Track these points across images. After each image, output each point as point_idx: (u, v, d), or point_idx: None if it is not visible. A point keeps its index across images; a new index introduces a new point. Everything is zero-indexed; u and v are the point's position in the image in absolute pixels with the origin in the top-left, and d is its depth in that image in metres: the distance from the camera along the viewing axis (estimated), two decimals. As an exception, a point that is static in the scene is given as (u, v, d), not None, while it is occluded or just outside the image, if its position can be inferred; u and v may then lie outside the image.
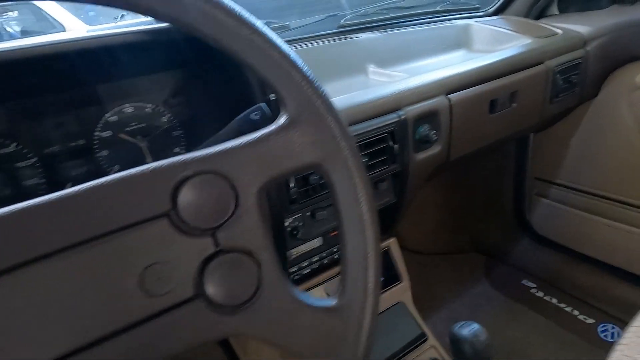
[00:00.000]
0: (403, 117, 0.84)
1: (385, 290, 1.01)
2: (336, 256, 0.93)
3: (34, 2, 5.96)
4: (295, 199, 0.74)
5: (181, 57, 0.68)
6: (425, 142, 0.89)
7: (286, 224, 0.78)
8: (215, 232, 0.39)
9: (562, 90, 1.14)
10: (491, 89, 0.98)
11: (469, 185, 1.67)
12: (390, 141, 0.83)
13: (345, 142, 0.43)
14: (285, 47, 0.41)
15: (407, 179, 0.90)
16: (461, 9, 1.38)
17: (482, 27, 1.24)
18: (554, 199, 1.48)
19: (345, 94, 0.84)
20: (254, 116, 0.56)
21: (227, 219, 0.39)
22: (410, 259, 1.71)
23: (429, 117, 0.89)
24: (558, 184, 1.45)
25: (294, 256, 0.88)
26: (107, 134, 0.66)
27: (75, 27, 5.77)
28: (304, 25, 1.12)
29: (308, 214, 0.80)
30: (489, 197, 1.64)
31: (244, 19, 0.39)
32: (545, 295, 1.46)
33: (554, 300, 1.43)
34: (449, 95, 0.91)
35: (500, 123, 1.04)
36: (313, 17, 1.19)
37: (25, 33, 6.12)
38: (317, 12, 1.26)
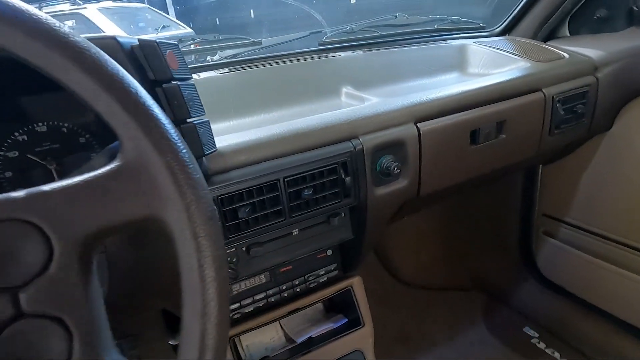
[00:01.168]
0: (359, 147, 0.75)
1: (343, 336, 0.91)
2: (286, 294, 0.85)
3: (82, 13, 6.30)
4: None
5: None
6: (387, 175, 0.80)
7: (216, 259, 0.71)
8: (18, 291, 0.32)
9: (565, 121, 1.02)
10: (472, 118, 0.87)
11: (470, 217, 1.54)
12: (341, 173, 0.74)
13: (192, 197, 0.36)
14: (119, 78, 0.34)
15: (365, 215, 0.81)
16: (462, 28, 1.27)
17: (479, 48, 1.13)
18: (562, 239, 1.32)
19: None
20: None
21: (34, 277, 0.33)
22: (403, 291, 1.60)
23: (393, 147, 0.80)
24: (567, 223, 1.30)
25: (233, 293, 0.80)
26: (13, 154, 0.62)
27: (118, 37, 6.02)
28: (282, 43, 1.06)
29: (243, 249, 0.73)
30: (493, 231, 1.50)
31: (78, 51, 0.33)
32: (547, 347, 1.30)
33: (557, 355, 1.27)
34: (419, 124, 0.82)
35: (485, 155, 0.93)
36: (294, 33, 1.13)
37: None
38: (303, 28, 1.20)
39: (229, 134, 0.70)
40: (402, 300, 1.56)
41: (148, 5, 7.44)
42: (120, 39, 0.47)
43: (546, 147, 1.04)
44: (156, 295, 0.69)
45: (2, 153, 0.61)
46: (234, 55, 1.04)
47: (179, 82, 0.52)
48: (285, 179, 0.69)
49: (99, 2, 7.27)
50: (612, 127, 1.13)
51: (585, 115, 1.05)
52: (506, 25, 1.28)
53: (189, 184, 0.36)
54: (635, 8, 1.05)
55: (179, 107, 0.53)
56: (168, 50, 0.51)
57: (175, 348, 1.34)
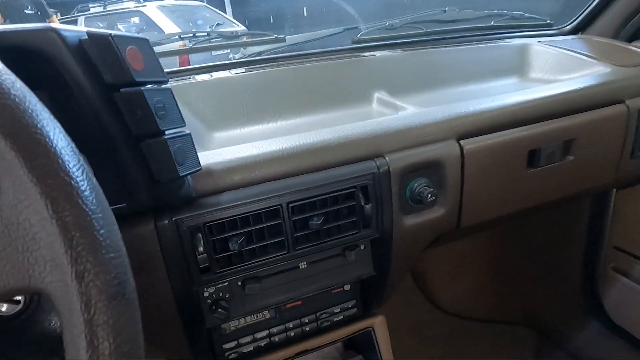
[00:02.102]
0: (384, 167, 0.61)
1: (359, 387, 0.77)
2: (293, 334, 0.73)
3: (143, 10, 6.53)
4: (209, 268, 0.56)
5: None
6: (419, 203, 0.65)
7: (205, 294, 0.60)
8: None
9: (653, 140, 0.82)
10: (531, 135, 0.70)
11: (525, 243, 1.34)
12: (361, 199, 0.61)
13: (88, 264, 0.24)
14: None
15: (390, 248, 0.67)
16: (525, 25, 1.09)
17: (544, 49, 0.95)
18: (636, 277, 1.10)
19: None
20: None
21: None
22: (440, 320, 1.42)
23: (428, 168, 0.65)
24: (645, 261, 1.08)
25: (230, 329, 0.69)
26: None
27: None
28: (308, 41, 0.94)
29: (239, 283, 0.61)
30: (551, 261, 1.29)
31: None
32: (610, 406, 1.09)
33: (622, 418, 1.06)
34: (462, 141, 0.66)
35: (546, 181, 0.75)
36: (327, 29, 1.00)
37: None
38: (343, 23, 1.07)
39: (223, 148, 0.59)
40: (438, 331, 1.39)
41: (205, 4, 7.62)
42: (63, 32, 0.37)
43: (626, 172, 0.84)
44: None
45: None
46: (258, 54, 0.93)
47: (143, 87, 0.41)
48: (290, 205, 0.57)
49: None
50: None
51: (679, 134, 0.84)
52: (579, 23, 1.07)
53: (87, 243, 0.24)
54: None
55: (144, 118, 0.42)
56: (129, 47, 0.40)
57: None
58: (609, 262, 1.17)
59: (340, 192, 0.59)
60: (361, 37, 0.96)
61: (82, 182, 0.25)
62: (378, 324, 0.79)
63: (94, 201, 0.25)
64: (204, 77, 0.81)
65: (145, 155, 0.43)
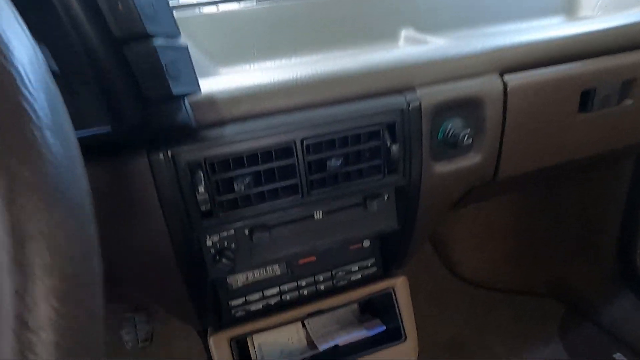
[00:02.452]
0: (415, 103, 0.52)
1: (378, 349, 0.71)
2: (305, 292, 0.66)
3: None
4: (211, 212, 0.49)
5: None
6: (453, 147, 0.57)
7: (208, 242, 0.53)
8: None
9: None
10: (584, 73, 0.61)
11: (555, 209, 1.24)
12: (387, 139, 0.52)
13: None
14: None
15: (417, 200, 0.59)
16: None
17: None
18: (682, 248, 1.01)
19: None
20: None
21: None
22: (461, 290, 1.35)
23: (464, 106, 0.56)
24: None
25: (237, 285, 0.63)
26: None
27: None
28: None
29: (245, 232, 0.55)
30: (583, 229, 1.20)
31: None
32: (645, 382, 1.02)
33: (658, 395, 0.98)
34: (506, 76, 0.57)
35: (599, 128, 0.66)
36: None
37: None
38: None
39: (229, 75, 0.51)
40: (458, 301, 1.32)
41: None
42: None
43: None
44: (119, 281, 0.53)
45: None
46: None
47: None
48: (305, 142, 0.49)
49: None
50: None
51: None
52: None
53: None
54: None
55: (127, 13, 0.34)
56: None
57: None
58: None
59: (364, 130, 0.51)
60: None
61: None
62: (400, 285, 0.72)
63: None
64: (211, 9, 0.72)
65: (130, 64, 0.36)
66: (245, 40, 0.69)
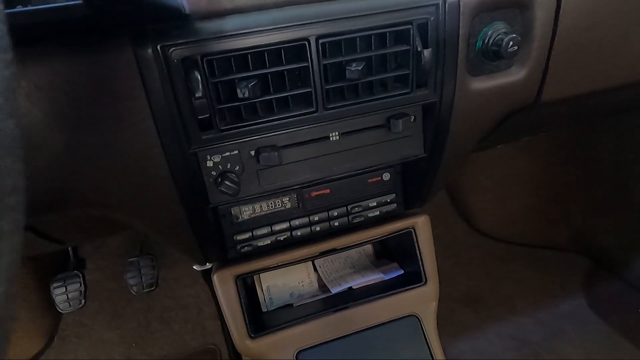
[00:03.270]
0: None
1: (395, 293, 0.65)
2: (318, 228, 0.60)
3: None
4: (209, 121, 0.42)
5: None
6: (494, 58, 0.48)
7: (209, 163, 0.47)
8: None
9: None
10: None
11: (587, 156, 1.15)
12: (417, 42, 0.44)
13: None
14: None
15: (448, 122, 0.51)
16: None
17: None
18: None
19: None
20: None
21: None
22: (479, 243, 1.29)
23: (509, 8, 0.47)
24: None
25: (243, 217, 0.57)
26: None
27: None
28: None
29: (251, 152, 0.48)
30: (616, 183, 1.11)
31: None
32: (674, 339, 0.96)
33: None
34: (561, -29, 0.48)
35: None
36: None
37: None
38: None
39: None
40: (476, 253, 1.26)
41: None
42: None
43: None
44: (117, 207, 0.47)
45: None
46: None
47: None
48: (320, 40, 0.41)
49: None
50: None
51: None
52: None
53: None
54: None
55: None
56: None
57: (200, 273, 1.20)
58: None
59: (391, 29, 0.43)
60: None
61: None
62: (422, 224, 0.65)
63: None
64: None
65: None
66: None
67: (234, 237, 0.57)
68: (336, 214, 0.60)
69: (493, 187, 1.25)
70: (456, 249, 1.28)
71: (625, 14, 0.51)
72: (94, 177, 0.42)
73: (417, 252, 0.66)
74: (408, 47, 0.44)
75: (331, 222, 0.60)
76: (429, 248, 0.66)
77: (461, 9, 0.44)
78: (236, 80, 0.40)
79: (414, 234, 0.65)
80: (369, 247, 0.77)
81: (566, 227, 1.23)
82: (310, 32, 0.41)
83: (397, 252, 0.74)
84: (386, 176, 0.60)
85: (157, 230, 0.54)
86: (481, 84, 0.50)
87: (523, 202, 1.27)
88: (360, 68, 0.43)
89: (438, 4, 0.43)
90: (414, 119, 0.52)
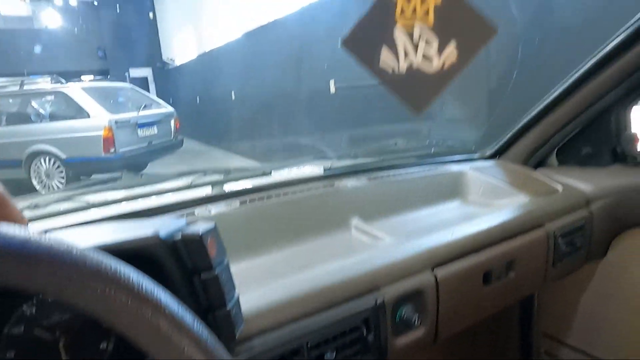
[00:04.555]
0: (380, 300, 0.73)
1: None
2: None
3: (64, 91, 6.43)
4: None
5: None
6: (407, 326, 0.77)
7: None
8: None
9: (566, 254, 1.04)
10: (485, 260, 0.88)
11: (469, 339, 1.49)
12: (364, 330, 0.71)
13: None
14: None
15: (385, 368, 0.77)
16: (457, 151, 1.34)
17: (477, 176, 1.18)
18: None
19: (322, 261, 0.77)
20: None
21: None
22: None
23: (412, 297, 0.78)
24: (569, 345, 1.29)
25: None
26: (18, 330, 0.56)
27: (99, 115, 6.12)
28: (293, 181, 1.06)
29: None
30: (495, 352, 1.46)
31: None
32: None
33: None
34: (436, 270, 0.81)
35: (496, 294, 0.92)
36: (302, 161, 1.15)
37: (53, 117, 6.56)
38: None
39: (244, 288, 0.67)
40: None
41: (131, 85, 7.67)
42: (162, 236, 0.46)
43: (549, 278, 1.05)
44: None
45: (5, 331, 0.55)
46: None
47: (216, 270, 0.50)
48: (309, 344, 0.66)
49: (80, 80, 7.47)
50: (607, 255, 1.16)
51: (582, 247, 1.08)
52: (497, 150, 1.35)
53: None
54: (618, 149, 1.14)
55: (216, 294, 0.50)
56: (209, 239, 0.49)
57: None
58: (540, 347, 1.36)
59: (349, 327, 0.70)
60: (332, 166, 1.12)
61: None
62: None
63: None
64: (204, 212, 0.89)
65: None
66: (233, 239, 0.86)
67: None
68: None
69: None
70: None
71: (468, 289, 0.86)
72: None
73: None
74: (359, 334, 0.71)
75: None
76: None
77: (386, 306, 0.73)
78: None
79: None
80: None
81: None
82: (305, 340, 0.65)
83: None
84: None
85: None
86: (400, 341, 0.78)
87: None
88: (334, 355, 0.67)
89: (373, 305, 0.72)
90: (363, 369, 0.77)
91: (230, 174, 1.02)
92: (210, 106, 9.62)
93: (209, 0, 9.20)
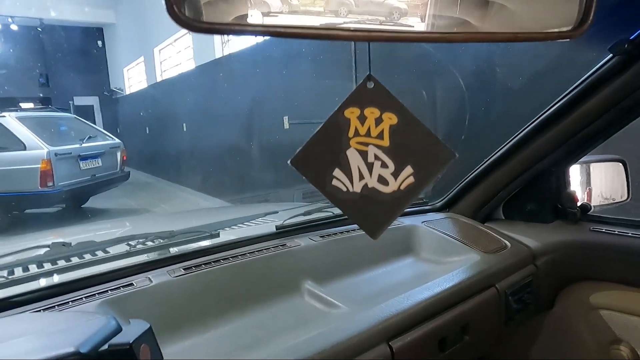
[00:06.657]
0: (334, 380, 0.69)
1: None
2: None
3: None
4: None
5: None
6: None
7: None
8: None
9: (517, 311, 1.05)
10: (440, 325, 0.86)
11: None
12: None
13: None
14: None
15: None
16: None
17: (429, 232, 1.18)
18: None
19: (273, 335, 0.75)
20: None
21: None
22: None
23: (367, 373, 0.74)
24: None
25: None
26: None
27: (37, 146, 5.76)
28: (243, 240, 1.01)
29: None
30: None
31: None
32: None
33: None
34: (391, 342, 0.78)
35: None
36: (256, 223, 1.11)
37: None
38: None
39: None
40: None
41: (75, 116, 7.32)
42: (85, 350, 0.40)
43: (502, 337, 1.05)
44: None
45: None
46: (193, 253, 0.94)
47: None
48: None
49: (19, 108, 7.03)
50: (554, 308, 1.19)
51: (531, 303, 1.10)
52: (446, 202, 1.37)
53: None
54: (559, 206, 1.19)
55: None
56: (142, 346, 0.43)
57: None
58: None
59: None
60: (284, 223, 1.08)
61: None
62: None
63: None
64: (143, 282, 0.82)
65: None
66: (177, 312, 0.80)
67: None
68: None
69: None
70: None
71: (427, 354, 0.84)
72: None
73: None
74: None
75: None
76: None
77: (341, 387, 0.69)
78: None
79: None
80: None
81: None
82: None
83: None
84: None
85: None
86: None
87: None
88: None
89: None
90: None
91: (175, 237, 0.96)
92: (160, 137, 9.35)
93: (161, 31, 9.10)
